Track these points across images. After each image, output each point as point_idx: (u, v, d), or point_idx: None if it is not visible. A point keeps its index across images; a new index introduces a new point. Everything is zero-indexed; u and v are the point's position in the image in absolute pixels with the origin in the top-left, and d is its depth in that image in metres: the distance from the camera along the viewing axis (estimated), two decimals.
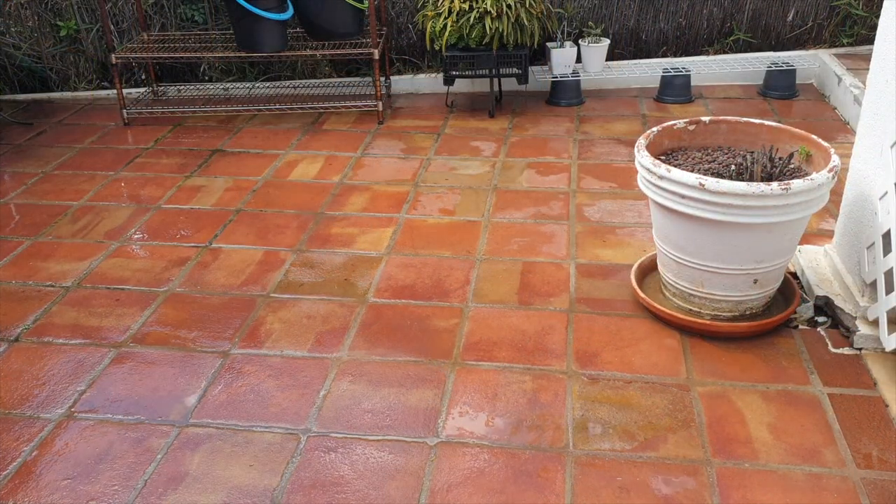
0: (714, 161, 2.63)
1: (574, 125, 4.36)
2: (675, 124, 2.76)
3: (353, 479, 2.09)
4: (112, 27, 4.79)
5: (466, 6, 4.19)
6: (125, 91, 4.76)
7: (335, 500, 2.03)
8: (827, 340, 2.55)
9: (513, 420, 2.27)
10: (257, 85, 4.94)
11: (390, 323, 2.71)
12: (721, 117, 2.79)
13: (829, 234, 3.10)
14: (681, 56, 4.92)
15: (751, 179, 2.45)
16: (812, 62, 4.74)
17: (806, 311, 2.67)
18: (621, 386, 2.39)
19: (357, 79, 4.94)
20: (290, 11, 4.31)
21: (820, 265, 2.82)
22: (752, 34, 4.89)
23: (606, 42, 4.68)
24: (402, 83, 4.95)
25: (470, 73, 4.39)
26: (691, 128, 2.77)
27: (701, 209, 2.38)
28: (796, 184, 2.30)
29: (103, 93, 4.99)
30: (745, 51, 4.92)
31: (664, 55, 4.94)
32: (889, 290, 2.36)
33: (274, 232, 3.33)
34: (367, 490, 2.05)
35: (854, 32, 4.85)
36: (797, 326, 2.62)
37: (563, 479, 2.07)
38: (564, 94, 4.63)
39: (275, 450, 2.19)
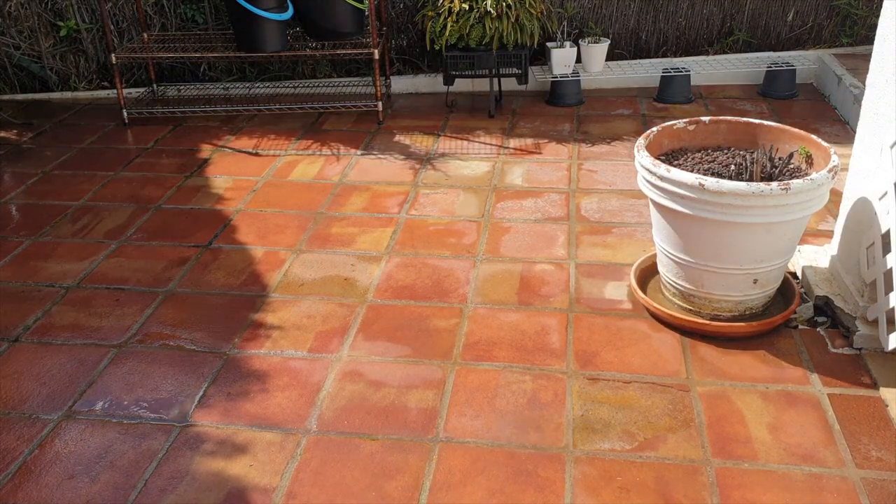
0: (714, 161, 2.63)
1: (574, 125, 4.36)
2: (674, 124, 2.76)
3: (352, 480, 2.09)
4: (112, 27, 4.79)
5: (466, 6, 4.19)
6: (125, 91, 4.75)
7: (335, 501, 2.03)
8: (827, 340, 2.55)
9: (513, 420, 2.27)
10: (257, 85, 4.94)
11: (390, 323, 2.71)
12: (721, 117, 2.79)
13: (828, 234, 3.11)
14: (681, 56, 4.92)
15: (750, 179, 2.45)
16: (812, 62, 4.74)
17: (806, 311, 2.67)
18: (621, 386, 2.39)
19: (357, 79, 4.94)
20: (290, 11, 4.30)
21: (819, 265, 2.82)
22: (752, 34, 4.89)
23: (606, 42, 4.68)
24: (402, 83, 4.95)
25: (470, 73, 4.39)
26: (691, 128, 2.77)
27: (701, 209, 2.38)
28: (796, 184, 2.30)
29: (103, 93, 4.99)
30: (745, 51, 4.92)
31: (664, 55, 4.94)
32: (888, 290, 2.36)
33: (274, 232, 3.33)
34: (366, 490, 2.05)
35: (854, 32, 4.85)
36: (797, 326, 2.63)
37: (563, 479, 2.07)
38: (564, 94, 4.63)
39: (275, 449, 2.19)
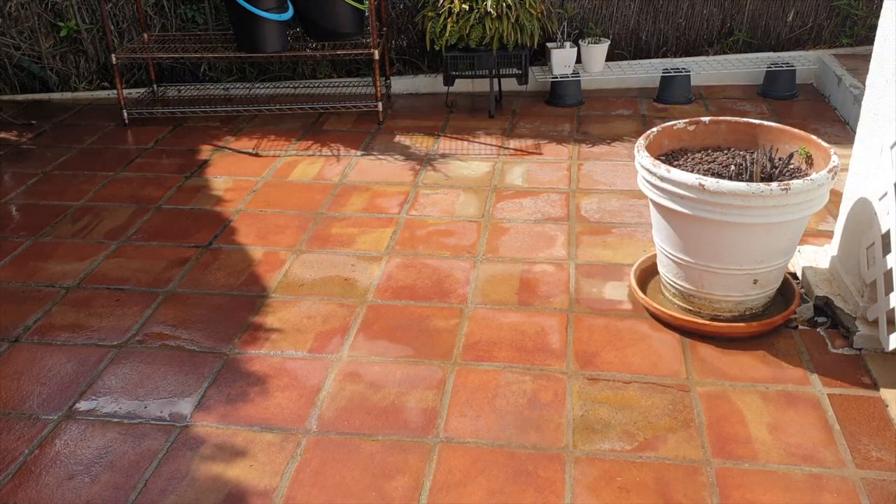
0: (714, 161, 2.63)
1: (574, 125, 4.36)
2: (674, 124, 2.76)
3: (353, 480, 2.09)
4: (112, 27, 4.79)
5: (467, 7, 4.19)
6: (125, 91, 4.76)
7: (335, 501, 2.03)
8: (827, 340, 2.55)
9: (513, 420, 2.27)
10: (257, 85, 4.94)
11: (390, 323, 2.71)
12: (721, 117, 2.79)
13: (828, 234, 3.11)
14: (681, 56, 4.92)
15: (750, 180, 2.45)
16: (812, 62, 4.75)
17: (806, 311, 2.67)
18: (621, 386, 2.39)
19: (357, 79, 4.94)
20: (291, 12, 4.31)
21: (820, 265, 2.82)
22: (752, 35, 4.89)
23: (606, 42, 4.68)
24: (402, 83, 4.95)
25: (470, 73, 4.39)
26: (691, 128, 2.77)
27: (701, 209, 2.38)
28: (796, 184, 2.30)
29: (103, 93, 4.99)
30: (745, 51, 4.92)
31: (664, 55, 4.94)
32: (889, 291, 2.36)
33: (274, 232, 3.33)
34: (367, 490, 2.05)
35: (854, 33, 4.85)
36: (797, 326, 2.63)
37: (563, 479, 2.07)
38: (564, 95, 4.63)
39: (275, 450, 2.19)
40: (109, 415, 2.35)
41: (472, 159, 3.97)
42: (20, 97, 4.98)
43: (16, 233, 3.41)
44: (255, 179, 3.82)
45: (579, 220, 3.35)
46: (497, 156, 4.00)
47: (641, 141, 2.61)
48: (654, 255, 2.80)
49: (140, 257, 3.18)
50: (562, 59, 4.55)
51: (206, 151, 4.17)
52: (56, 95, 4.99)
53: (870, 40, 4.74)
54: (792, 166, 2.57)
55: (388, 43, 4.87)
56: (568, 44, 4.59)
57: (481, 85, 4.85)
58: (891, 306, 2.33)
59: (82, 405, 2.39)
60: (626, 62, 4.89)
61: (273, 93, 4.86)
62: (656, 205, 2.55)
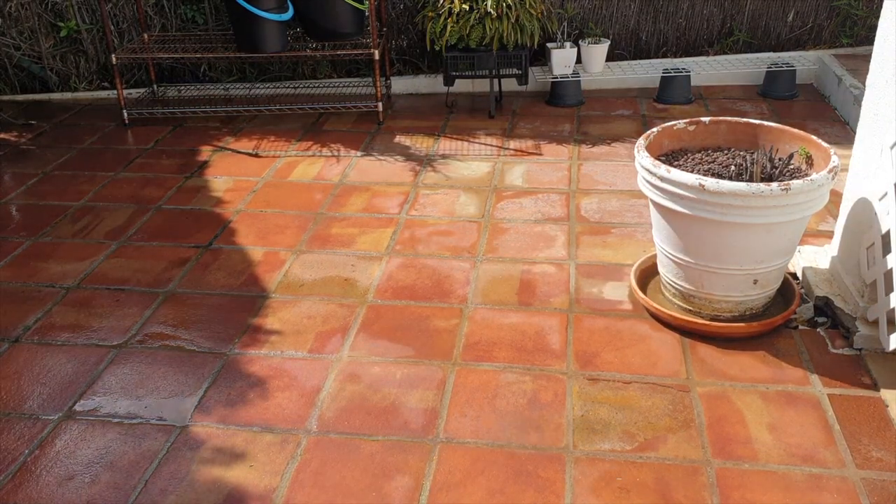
0: (714, 162, 2.63)
1: (574, 125, 4.36)
2: (675, 125, 2.76)
3: (353, 480, 2.09)
4: (112, 28, 4.79)
5: (467, 7, 4.19)
6: (125, 92, 4.76)
7: (335, 501, 2.03)
8: (827, 341, 2.55)
9: (513, 420, 2.27)
10: (257, 85, 4.94)
11: (390, 323, 2.71)
12: (721, 118, 2.79)
13: (829, 235, 3.11)
14: (681, 56, 4.92)
15: (750, 180, 2.45)
16: (812, 63, 4.75)
17: (806, 311, 2.67)
18: (621, 386, 2.39)
19: (357, 79, 4.94)
20: (291, 12, 4.31)
21: (820, 266, 2.82)
22: (752, 35, 4.89)
23: (606, 42, 4.68)
24: (402, 84, 4.95)
25: (470, 73, 4.39)
26: (691, 128, 2.77)
27: (701, 210, 2.38)
28: (796, 184, 2.30)
29: (103, 93, 4.99)
30: (745, 51, 4.92)
31: (664, 56, 4.94)
32: (889, 291, 2.36)
33: (274, 232, 3.33)
34: (367, 491, 2.05)
35: (854, 33, 4.85)
36: (797, 327, 2.63)
37: (563, 479, 2.07)
38: (564, 95, 4.63)
39: (275, 450, 2.19)
40: (109, 415, 2.35)
41: (472, 159, 3.97)
42: (20, 97, 4.98)
43: (16, 233, 3.41)
44: (255, 180, 3.82)
45: (579, 220, 3.35)
46: (497, 156, 4.00)
47: (641, 141, 2.62)
48: (654, 256, 2.80)
49: (140, 257, 3.18)
50: (562, 59, 4.55)
51: (206, 152, 4.17)
52: (56, 95, 4.99)
53: (870, 40, 4.74)
54: (792, 166, 2.57)
55: (388, 43, 4.87)
56: (568, 44, 4.59)
57: (481, 85, 4.85)
58: (891, 306, 2.33)
59: (82, 405, 2.39)
60: (626, 62, 4.89)
61: (273, 93, 4.86)
62: (656, 205, 2.55)
